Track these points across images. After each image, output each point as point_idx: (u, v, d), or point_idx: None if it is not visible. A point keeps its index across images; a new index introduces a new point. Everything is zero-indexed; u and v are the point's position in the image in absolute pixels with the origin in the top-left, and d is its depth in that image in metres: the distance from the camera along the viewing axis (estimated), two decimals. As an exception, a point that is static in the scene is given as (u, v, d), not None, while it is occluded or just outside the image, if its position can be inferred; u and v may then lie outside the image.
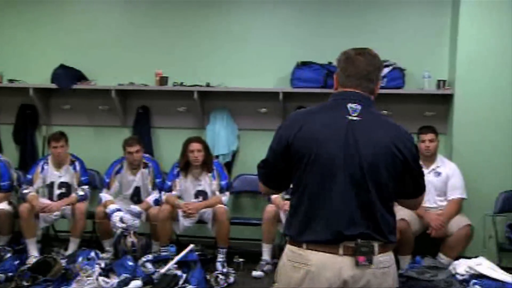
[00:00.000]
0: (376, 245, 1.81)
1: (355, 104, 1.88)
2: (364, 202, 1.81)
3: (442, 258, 4.24)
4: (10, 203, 4.81)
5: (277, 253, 4.74)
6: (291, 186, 1.94)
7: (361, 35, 5.05)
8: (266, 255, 4.54)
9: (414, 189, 1.98)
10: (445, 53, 4.96)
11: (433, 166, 4.51)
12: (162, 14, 5.34)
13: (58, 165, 4.82)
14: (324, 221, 1.81)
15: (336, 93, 1.97)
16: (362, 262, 1.78)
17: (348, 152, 1.81)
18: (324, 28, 5.12)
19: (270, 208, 4.54)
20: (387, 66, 4.82)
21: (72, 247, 4.61)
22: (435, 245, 4.35)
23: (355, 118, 1.86)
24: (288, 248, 1.89)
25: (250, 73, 5.18)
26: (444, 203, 4.44)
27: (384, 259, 1.84)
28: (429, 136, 4.48)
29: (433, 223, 4.23)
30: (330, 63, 4.86)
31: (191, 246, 4.23)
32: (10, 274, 4.14)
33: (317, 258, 1.80)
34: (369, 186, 1.81)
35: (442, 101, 4.94)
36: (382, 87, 4.72)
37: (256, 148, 4.96)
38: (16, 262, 4.37)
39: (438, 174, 4.48)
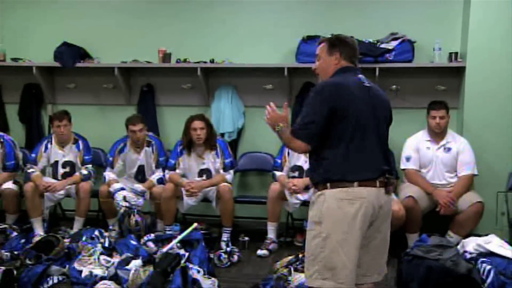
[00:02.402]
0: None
1: (361, 75, 2.52)
2: (384, 147, 2.49)
3: (452, 236, 4.13)
4: (16, 183, 4.81)
5: (283, 232, 4.72)
6: (327, 139, 2.39)
7: (368, 6, 4.89)
8: (271, 234, 4.48)
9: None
10: (458, 24, 4.76)
11: (443, 142, 4.37)
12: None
13: (62, 144, 4.79)
14: (367, 163, 2.38)
15: (343, 67, 2.52)
16: (391, 190, 2.47)
17: (373, 110, 2.43)
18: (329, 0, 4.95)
19: (275, 186, 4.47)
20: (396, 39, 4.66)
21: (76, 226, 4.62)
22: (445, 223, 4.25)
23: (368, 84, 2.49)
24: (337, 191, 2.35)
25: (255, 49, 5.05)
26: (454, 179, 4.31)
27: None
28: (441, 112, 4.31)
29: (442, 200, 4.11)
30: (336, 36, 4.70)
31: (195, 224, 4.18)
32: (16, 252, 4.15)
33: (367, 191, 2.35)
34: (385, 134, 2.52)
35: (453, 74, 4.77)
36: (391, 61, 4.59)
37: (262, 125, 4.81)
38: (22, 241, 4.38)
39: (448, 149, 4.34)
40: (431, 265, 3.44)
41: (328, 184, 2.36)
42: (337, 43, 2.55)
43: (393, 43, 4.61)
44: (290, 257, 3.83)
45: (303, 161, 4.49)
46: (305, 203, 4.37)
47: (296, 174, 4.56)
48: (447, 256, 3.49)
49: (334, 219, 2.33)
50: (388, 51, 4.60)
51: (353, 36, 4.54)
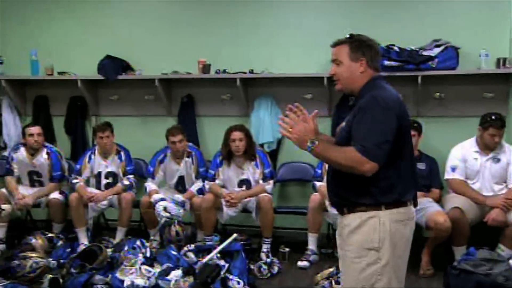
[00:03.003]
0: None
1: None
2: None
3: (502, 249, 3.94)
4: (62, 193, 4.94)
5: (324, 243, 4.64)
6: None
7: (410, 13, 4.79)
8: (312, 245, 4.42)
9: None
10: (506, 28, 4.59)
11: (493, 153, 4.19)
12: (204, 1, 5.27)
13: (105, 155, 4.90)
14: (413, 179, 2.24)
15: (378, 76, 2.27)
16: (417, 204, 2.31)
17: None
18: (370, 6, 4.87)
19: (315, 196, 4.41)
20: (439, 45, 4.53)
21: (119, 236, 4.70)
22: (495, 235, 4.06)
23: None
24: (393, 212, 2.14)
25: (294, 58, 5.03)
26: (503, 191, 4.12)
27: None
28: (502, 131, 4.12)
29: (499, 203, 3.94)
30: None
31: (235, 235, 4.17)
32: (62, 261, 4.25)
33: (413, 209, 2.26)
34: None
35: (502, 80, 4.60)
36: (434, 68, 4.47)
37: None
38: (68, 250, 4.50)
39: (498, 160, 4.17)
40: (481, 280, 3.31)
41: (383, 206, 2.14)
42: (361, 46, 2.23)
43: (436, 50, 4.49)
44: (331, 269, 3.77)
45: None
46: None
47: (337, 184, 4.48)
48: (498, 271, 3.35)
49: (392, 243, 2.14)
50: (431, 58, 4.48)
51: (394, 44, 4.57)
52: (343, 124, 2.28)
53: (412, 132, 4.31)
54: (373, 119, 2.09)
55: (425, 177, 4.38)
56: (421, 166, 4.39)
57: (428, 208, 4.01)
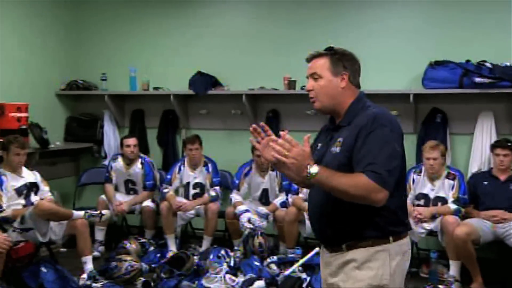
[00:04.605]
0: None
1: None
2: None
3: None
4: (153, 201, 5.26)
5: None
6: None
7: (504, 27, 4.59)
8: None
9: None
10: None
11: None
12: (290, 18, 5.40)
13: (193, 166, 5.15)
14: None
15: (363, 94, 2.08)
16: None
17: None
18: (457, 22, 4.76)
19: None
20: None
21: (205, 245, 4.90)
22: None
23: None
24: (400, 244, 1.97)
25: (379, 74, 4.96)
26: None
27: None
28: None
29: None
30: (468, 61, 4.50)
31: (317, 249, 4.21)
32: (153, 265, 4.53)
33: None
34: None
35: None
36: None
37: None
38: (159, 255, 4.78)
39: None
40: None
41: (391, 238, 1.94)
42: (342, 59, 2.03)
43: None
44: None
45: (429, 189, 4.37)
46: (432, 233, 4.27)
47: (422, 202, 4.40)
48: None
49: (399, 277, 1.98)
50: (529, 74, 4.27)
51: (485, 60, 4.41)
52: (334, 149, 1.98)
53: (505, 152, 4.20)
54: (381, 141, 1.86)
55: (519, 199, 4.18)
56: (514, 187, 4.20)
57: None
